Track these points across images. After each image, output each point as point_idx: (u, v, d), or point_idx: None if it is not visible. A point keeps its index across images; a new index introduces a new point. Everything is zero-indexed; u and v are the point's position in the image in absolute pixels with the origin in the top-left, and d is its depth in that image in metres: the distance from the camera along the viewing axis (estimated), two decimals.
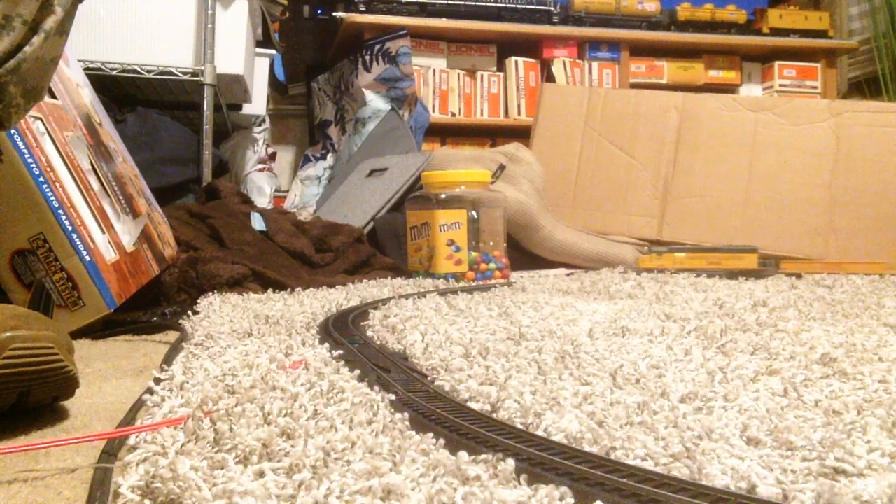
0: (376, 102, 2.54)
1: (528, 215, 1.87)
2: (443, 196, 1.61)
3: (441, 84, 2.75)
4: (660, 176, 2.06)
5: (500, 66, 2.82)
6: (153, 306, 1.18)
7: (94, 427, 0.56)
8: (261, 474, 0.39)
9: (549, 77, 2.76)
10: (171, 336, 0.98)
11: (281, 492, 0.37)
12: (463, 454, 0.41)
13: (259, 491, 0.36)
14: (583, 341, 0.77)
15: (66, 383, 0.58)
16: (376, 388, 0.58)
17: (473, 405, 0.55)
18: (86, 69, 1.63)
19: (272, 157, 2.69)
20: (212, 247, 1.41)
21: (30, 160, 0.91)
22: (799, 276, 1.53)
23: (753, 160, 2.01)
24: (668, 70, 2.89)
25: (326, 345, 0.74)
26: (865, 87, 3.08)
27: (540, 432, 0.48)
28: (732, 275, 1.31)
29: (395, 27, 2.58)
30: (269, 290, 1.32)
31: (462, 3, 2.70)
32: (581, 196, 2.11)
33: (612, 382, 0.61)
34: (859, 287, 1.35)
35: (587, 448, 0.45)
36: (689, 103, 2.09)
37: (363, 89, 2.56)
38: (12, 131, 0.89)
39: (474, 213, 1.62)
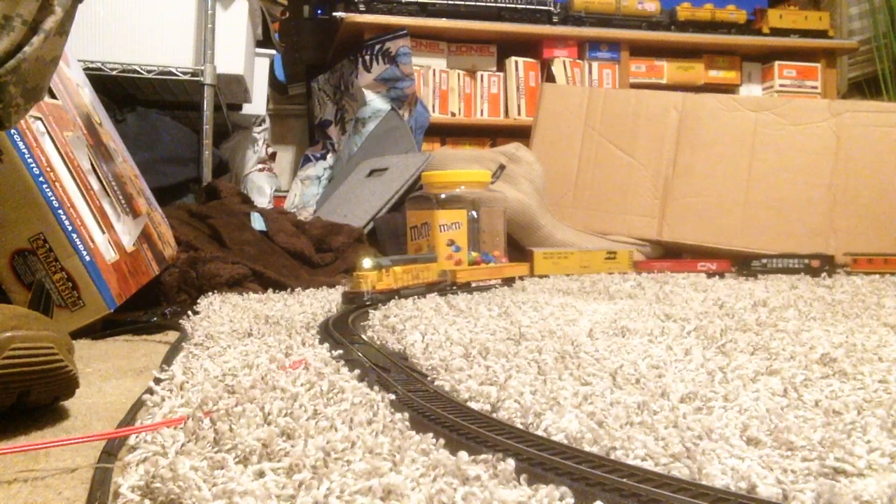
0: (376, 102, 2.54)
1: (528, 215, 1.87)
2: (443, 196, 1.61)
3: (441, 84, 2.74)
4: (660, 176, 2.06)
5: (500, 66, 2.82)
6: (153, 306, 1.18)
7: (94, 427, 0.56)
8: (261, 474, 0.39)
9: (549, 77, 2.76)
10: (171, 336, 0.97)
11: (281, 492, 0.37)
12: (463, 454, 0.41)
13: (259, 491, 0.36)
14: (583, 341, 0.77)
15: (66, 383, 0.58)
16: (376, 388, 0.58)
17: (473, 405, 0.55)
18: (86, 69, 1.63)
19: (272, 157, 2.68)
20: (212, 247, 1.41)
21: (30, 160, 0.91)
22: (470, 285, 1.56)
23: (753, 160, 2.01)
24: (668, 70, 2.88)
25: (326, 345, 0.74)
26: (865, 87, 3.07)
27: (540, 432, 0.48)
28: (442, 291, 1.28)
29: (395, 27, 2.58)
30: (269, 290, 1.32)
31: (462, 3, 2.70)
32: (581, 196, 2.11)
33: (612, 382, 0.61)
34: (859, 287, 1.35)
35: (587, 448, 0.45)
36: (689, 103, 2.09)
37: (363, 89, 2.56)
38: (12, 131, 0.89)
39: (474, 213, 1.62)
